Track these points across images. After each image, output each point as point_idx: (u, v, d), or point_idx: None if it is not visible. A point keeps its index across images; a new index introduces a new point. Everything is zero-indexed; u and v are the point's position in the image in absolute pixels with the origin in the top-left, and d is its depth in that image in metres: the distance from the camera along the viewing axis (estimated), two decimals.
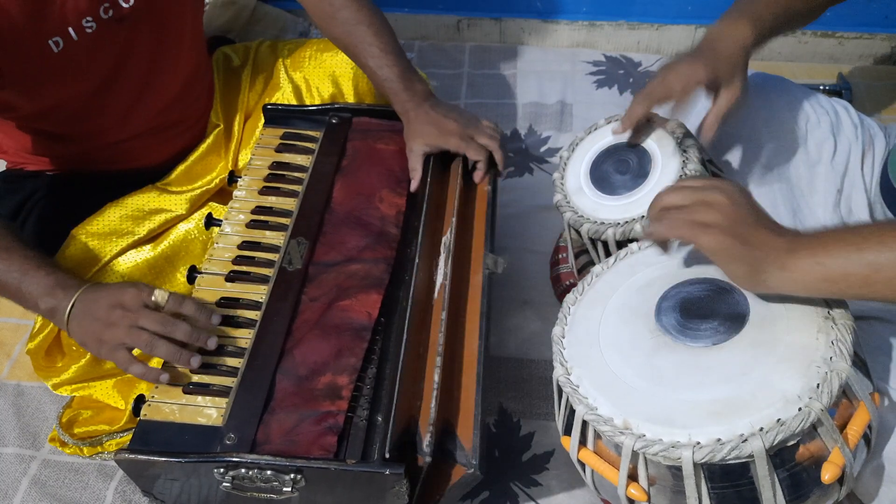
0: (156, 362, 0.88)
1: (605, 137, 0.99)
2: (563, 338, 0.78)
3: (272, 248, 0.96)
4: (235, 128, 1.18)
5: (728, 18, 0.90)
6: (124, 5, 0.95)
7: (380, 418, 0.80)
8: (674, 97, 0.86)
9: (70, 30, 0.91)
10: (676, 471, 0.67)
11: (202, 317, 0.85)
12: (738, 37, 0.87)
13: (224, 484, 0.76)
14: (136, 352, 0.84)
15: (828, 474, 0.65)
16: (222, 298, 0.91)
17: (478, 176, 1.03)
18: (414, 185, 1.02)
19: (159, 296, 0.83)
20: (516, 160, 1.46)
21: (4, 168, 1.14)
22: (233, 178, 1.08)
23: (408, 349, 0.82)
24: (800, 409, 0.64)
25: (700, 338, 0.71)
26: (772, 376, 0.66)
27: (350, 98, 1.18)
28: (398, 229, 0.98)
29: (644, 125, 0.94)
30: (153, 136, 1.10)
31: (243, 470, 0.75)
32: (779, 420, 0.63)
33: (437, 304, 0.88)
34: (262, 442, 0.78)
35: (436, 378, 0.80)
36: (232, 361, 0.85)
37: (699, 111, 0.92)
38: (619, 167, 0.95)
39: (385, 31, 1.05)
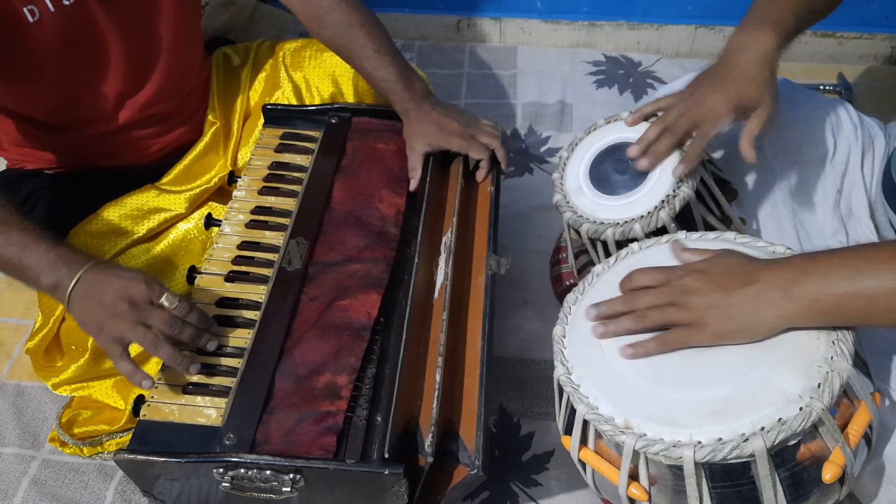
0: (154, 362, 0.88)
1: (605, 137, 0.99)
2: (564, 337, 0.78)
3: (272, 248, 0.95)
4: (234, 126, 1.18)
5: (748, 26, 0.87)
6: None
7: (379, 418, 0.80)
8: (692, 132, 0.87)
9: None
10: (677, 470, 0.67)
11: (204, 328, 0.84)
12: (760, 48, 0.84)
13: (223, 484, 0.76)
14: (133, 346, 0.83)
15: (829, 474, 0.65)
16: (222, 299, 0.90)
17: (481, 175, 1.03)
18: (413, 185, 1.02)
19: (168, 300, 0.81)
20: (516, 160, 1.45)
21: (5, 167, 1.14)
22: (232, 178, 1.08)
23: (407, 349, 0.82)
24: (801, 408, 0.63)
25: None
26: (772, 376, 0.66)
27: (350, 98, 1.18)
28: (398, 229, 0.98)
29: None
30: (144, 128, 1.10)
31: (242, 470, 0.75)
32: (780, 419, 0.63)
33: (438, 304, 0.88)
34: (262, 442, 0.78)
35: (437, 378, 0.80)
36: (231, 361, 0.85)
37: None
38: (619, 167, 0.95)
39: (378, 32, 1.04)
